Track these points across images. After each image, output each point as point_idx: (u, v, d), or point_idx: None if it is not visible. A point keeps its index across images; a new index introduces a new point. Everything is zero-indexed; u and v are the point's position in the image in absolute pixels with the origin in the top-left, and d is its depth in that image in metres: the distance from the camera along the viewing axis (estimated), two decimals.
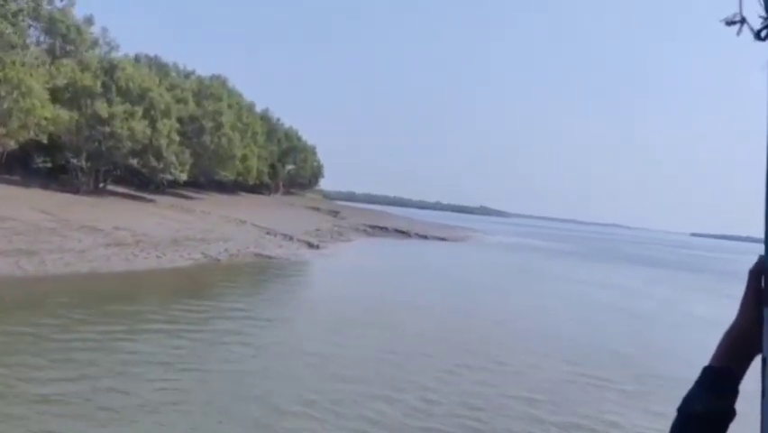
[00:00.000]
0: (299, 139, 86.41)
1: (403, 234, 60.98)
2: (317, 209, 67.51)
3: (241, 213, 44.37)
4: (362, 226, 59.78)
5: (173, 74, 56.41)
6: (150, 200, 41.43)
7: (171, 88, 48.34)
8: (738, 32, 1.13)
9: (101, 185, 38.60)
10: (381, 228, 61.44)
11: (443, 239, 61.53)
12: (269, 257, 29.76)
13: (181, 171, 40.46)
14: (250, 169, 58.30)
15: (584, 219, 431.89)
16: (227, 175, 49.34)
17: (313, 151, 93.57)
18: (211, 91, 51.93)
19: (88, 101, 33.46)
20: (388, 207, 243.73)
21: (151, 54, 55.41)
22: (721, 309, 27.25)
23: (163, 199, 43.17)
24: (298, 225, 44.88)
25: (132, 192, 43.09)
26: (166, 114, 38.69)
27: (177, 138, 39.91)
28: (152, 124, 36.63)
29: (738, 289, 1.09)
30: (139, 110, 35.92)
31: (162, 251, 25.47)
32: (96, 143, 34.99)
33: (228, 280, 23.00)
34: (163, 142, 37.63)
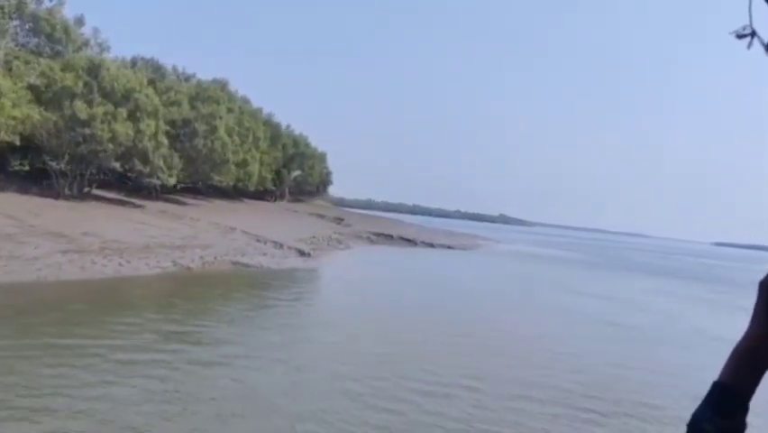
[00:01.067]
0: (307, 145, 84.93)
1: (408, 241, 59.10)
2: (322, 216, 65.83)
3: (235, 220, 42.83)
4: (366, 234, 57.97)
5: (172, 77, 55.25)
6: (140, 206, 39.97)
7: (166, 90, 47.04)
8: (749, 46, 1.13)
9: (86, 189, 37.16)
10: (386, 236, 59.57)
11: (450, 247, 59.54)
12: (247, 265, 28.02)
13: (169, 176, 38.89)
14: (250, 174, 56.77)
15: (607, 228, 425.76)
16: (221, 180, 47.76)
17: (322, 158, 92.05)
18: (208, 94, 50.51)
19: (67, 102, 32.00)
20: (406, 215, 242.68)
21: (151, 57, 54.27)
22: (728, 323, 25.03)
23: (154, 205, 41.72)
24: (295, 233, 43.19)
25: (122, 197, 41.71)
26: (153, 115, 37.18)
27: (165, 141, 38.39)
28: (138, 126, 35.13)
29: (751, 301, 1.04)
30: (122, 111, 34.45)
31: (128, 258, 23.81)
32: (77, 146, 33.54)
33: (185, 290, 21.19)
34: (149, 144, 36.11)
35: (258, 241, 36.91)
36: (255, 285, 24.23)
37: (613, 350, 17.18)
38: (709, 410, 1.04)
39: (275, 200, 73.51)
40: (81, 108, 32.24)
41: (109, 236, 26.99)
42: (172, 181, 39.49)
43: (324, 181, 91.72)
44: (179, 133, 43.04)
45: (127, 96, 35.44)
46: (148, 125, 35.64)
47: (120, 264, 22.73)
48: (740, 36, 1.14)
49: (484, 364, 14.28)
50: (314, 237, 43.81)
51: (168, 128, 42.99)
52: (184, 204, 47.18)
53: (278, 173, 70.85)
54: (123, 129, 33.87)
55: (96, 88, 33.87)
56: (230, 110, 56.36)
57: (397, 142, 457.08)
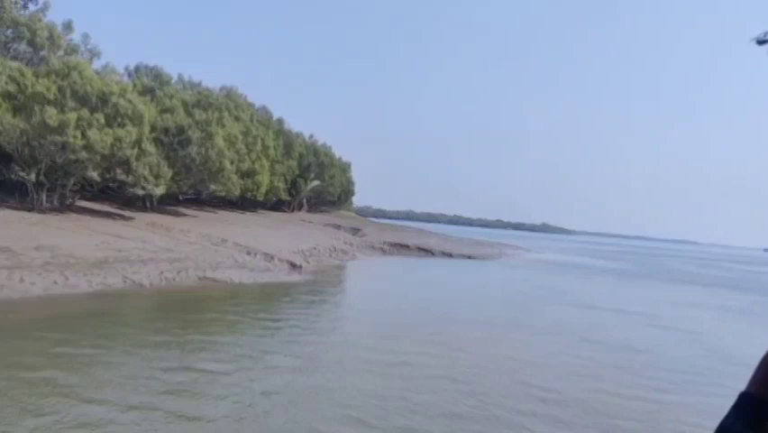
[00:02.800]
0: (328, 155, 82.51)
1: (425, 252, 56.10)
2: (338, 227, 63.15)
3: (233, 231, 40.45)
4: (380, 244, 55.13)
5: (176, 84, 53.47)
6: (129, 218, 37.86)
7: (164, 97, 45.13)
8: None
9: (69, 201, 35.18)
10: (402, 246, 56.63)
11: (470, 257, 56.31)
12: (215, 280, 25.42)
13: (156, 186, 36.64)
14: (259, 184, 54.47)
15: (655, 236, 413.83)
16: (219, 189, 45.45)
17: (345, 168, 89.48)
18: (210, 101, 48.41)
19: (37, 108, 30.01)
20: (445, 225, 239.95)
21: (155, 65, 52.60)
22: (764, 343, 21.37)
23: (147, 217, 39.57)
24: (296, 244, 40.54)
25: (112, 209, 39.69)
26: (136, 122, 35.04)
27: (151, 149, 36.22)
28: (117, 133, 33.00)
29: None
30: (99, 117, 32.35)
31: (70, 274, 21.41)
32: (52, 155, 31.55)
33: (100, 314, 18.51)
34: (131, 153, 33.95)
35: (247, 253, 34.40)
36: (200, 306, 21.55)
37: (600, 389, 13.84)
38: (738, 421, 1.01)
39: (292, 211, 71.13)
40: (51, 114, 30.19)
41: (65, 251, 24.67)
42: (159, 191, 37.20)
43: (347, 191, 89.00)
44: (173, 141, 40.87)
45: (105, 101, 33.33)
46: (128, 132, 33.42)
47: (54, 282, 20.30)
48: (761, 42, 1.12)
49: (419, 402, 11.22)
50: (314, 248, 41.10)
51: (162, 136, 41.01)
52: (183, 215, 45.02)
53: (293, 183, 68.51)
54: (99, 136, 31.70)
55: (68, 93, 31.82)
56: (237, 118, 54.28)
57: (439, 155, 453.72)
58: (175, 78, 54.82)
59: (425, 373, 13.67)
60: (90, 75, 33.19)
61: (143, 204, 42.47)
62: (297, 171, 68.35)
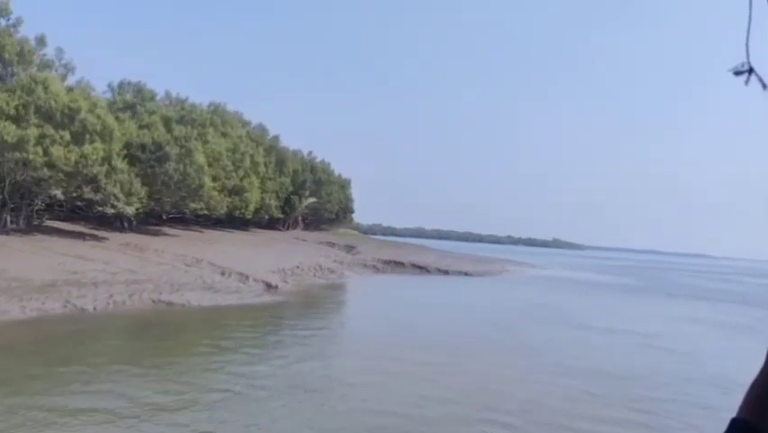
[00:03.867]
0: (325, 171, 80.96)
1: (420, 269, 54.13)
2: (333, 244, 61.34)
3: (213, 250, 38.77)
4: (373, 262, 53.28)
5: (161, 100, 52.15)
6: (102, 238, 36.28)
7: (145, 113, 43.84)
8: (746, 82, 1.13)
9: (36, 222, 33.68)
10: (397, 263, 54.71)
11: (467, 274, 54.28)
12: (171, 304, 23.65)
13: (127, 204, 35.05)
14: (248, 202, 52.84)
15: (669, 250, 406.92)
16: (198, 208, 43.82)
17: (344, 184, 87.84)
18: (193, 116, 47.01)
19: None
20: (455, 242, 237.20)
21: (138, 81, 51.31)
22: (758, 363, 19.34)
23: (122, 237, 37.94)
24: (278, 263, 38.74)
25: (86, 230, 38.11)
26: (106, 138, 33.58)
27: (122, 166, 34.70)
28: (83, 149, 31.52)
29: None
30: (64, 134, 30.88)
31: (4, 300, 19.70)
32: (14, 173, 30.09)
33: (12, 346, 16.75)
34: (98, 170, 32.41)
35: (221, 273, 32.68)
36: (141, 332, 19.73)
37: (560, 425, 11.86)
38: None
39: (287, 229, 69.46)
40: (10, 130, 28.72)
41: (11, 274, 23.01)
42: (130, 210, 35.62)
43: (345, 208, 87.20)
44: (150, 158, 39.37)
45: (72, 117, 31.89)
46: (95, 149, 31.90)
47: None
48: (738, 73, 1.13)
49: None
50: (297, 267, 39.29)
51: (138, 153, 39.57)
52: (164, 235, 43.41)
53: (287, 201, 66.87)
54: (62, 153, 30.20)
55: (32, 109, 30.40)
56: (224, 134, 52.86)
57: (449, 172, 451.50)
58: (161, 94, 53.50)
59: (366, 407, 11.79)
60: (57, 90, 31.78)
61: (121, 224, 40.89)
62: (290, 188, 66.71)
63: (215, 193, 43.48)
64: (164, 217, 47.73)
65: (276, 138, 72.16)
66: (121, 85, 50.91)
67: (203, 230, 51.77)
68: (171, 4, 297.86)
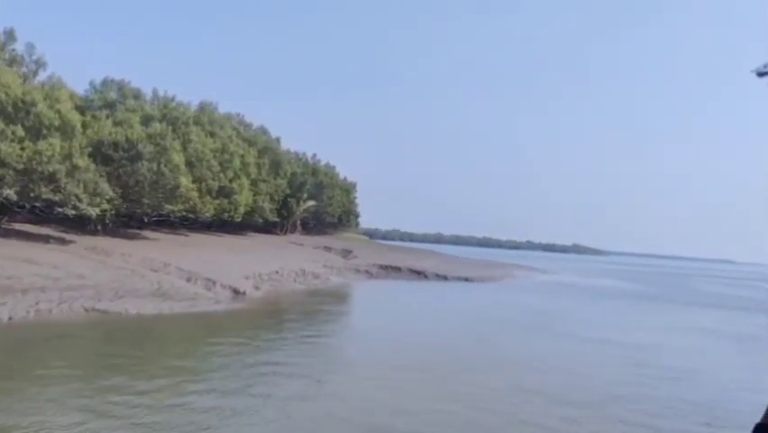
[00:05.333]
0: (328, 175, 78.59)
1: (418, 274, 51.50)
2: (329, 249, 58.87)
3: (187, 255, 36.45)
4: (367, 267, 50.74)
5: (149, 100, 50.07)
6: (69, 242, 34.10)
7: (126, 111, 41.79)
8: None
9: None
10: (394, 268, 52.15)
11: (467, 280, 51.53)
12: (106, 312, 21.25)
13: (91, 204, 32.80)
14: (236, 204, 50.55)
15: (689, 255, 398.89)
16: (176, 210, 41.47)
17: (348, 188, 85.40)
18: (175, 115, 44.85)
19: None
20: (474, 247, 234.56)
21: (122, 79, 49.28)
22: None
23: (91, 241, 35.75)
24: (256, 268, 36.34)
25: (53, 233, 35.98)
26: (68, 134, 31.44)
27: (87, 164, 32.48)
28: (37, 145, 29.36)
29: None
30: (15, 128, 28.75)
31: None
32: None
33: None
34: (57, 168, 30.21)
35: (187, 279, 30.34)
36: (23, 348, 17.27)
37: None
38: None
39: (285, 233, 67.10)
40: None
41: None
42: (93, 212, 33.37)
43: (348, 212, 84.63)
44: (122, 157, 37.19)
45: (27, 111, 29.78)
46: (50, 145, 29.70)
47: None
48: (761, 74, 1.11)
49: None
50: (276, 272, 36.82)
51: (110, 151, 37.43)
52: (141, 238, 41.20)
53: (284, 203, 64.54)
54: (12, 149, 28.05)
55: None
56: (211, 134, 50.69)
57: (469, 177, 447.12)
58: (149, 93, 51.39)
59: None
60: (8, 81, 29.67)
61: (95, 227, 38.76)
62: (287, 191, 64.34)
63: (195, 194, 41.10)
64: (146, 220, 45.60)
65: (276, 140, 70.06)
66: (104, 83, 48.91)
67: (189, 234, 49.53)
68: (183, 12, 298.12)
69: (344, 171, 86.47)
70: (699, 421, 12.31)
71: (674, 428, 11.84)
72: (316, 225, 79.10)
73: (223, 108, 68.88)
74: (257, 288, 31.66)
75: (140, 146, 37.53)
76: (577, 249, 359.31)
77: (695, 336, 27.18)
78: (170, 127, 39.87)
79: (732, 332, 29.42)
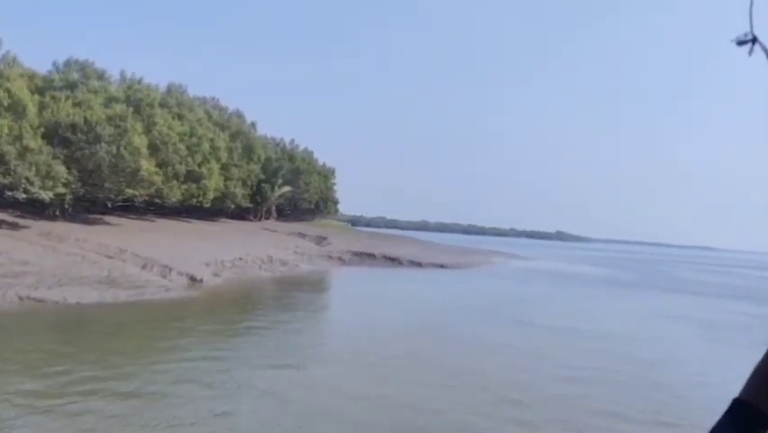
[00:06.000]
0: (305, 160, 77.16)
1: (392, 261, 50.54)
2: (304, 236, 57.64)
3: (146, 241, 35.17)
4: (340, 253, 49.70)
5: (116, 81, 48.49)
6: (23, 227, 32.74)
7: (87, 92, 40.30)
8: (750, 52, 1.12)
9: None
10: (368, 255, 51.15)
11: (442, 266, 50.60)
12: (42, 301, 20.06)
13: (43, 188, 31.47)
14: (205, 190, 49.22)
15: (673, 242, 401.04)
16: (137, 194, 40.15)
17: (327, 174, 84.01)
18: (139, 96, 43.37)
19: None
20: (459, 234, 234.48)
21: (86, 59, 47.65)
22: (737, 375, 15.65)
23: (47, 226, 34.37)
24: (219, 254, 35.13)
25: (8, 218, 34.58)
26: (20, 114, 30.05)
27: (39, 146, 31.12)
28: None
29: None
30: None
31: None
32: None
33: None
34: (5, 149, 28.86)
35: (143, 266, 29.15)
36: None
37: None
38: (730, 427, 0.99)
39: (260, 219, 65.83)
40: None
41: None
42: (47, 195, 32.07)
43: (326, 199, 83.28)
44: (80, 139, 35.78)
45: None
46: None
47: None
48: (741, 43, 1.10)
49: None
50: (240, 259, 35.65)
51: (68, 133, 36.02)
52: (103, 224, 39.82)
53: (258, 189, 63.20)
54: None
55: None
56: (179, 116, 49.24)
57: (454, 163, 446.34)
58: (116, 74, 49.80)
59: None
60: None
61: (53, 212, 37.37)
62: (261, 176, 62.98)
63: (158, 178, 39.76)
64: (109, 206, 44.20)
65: (252, 125, 68.58)
66: (67, 63, 47.28)
67: (156, 220, 48.16)
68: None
69: (325, 158, 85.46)
70: (647, 420, 11.37)
71: (617, 429, 10.88)
72: (294, 211, 77.80)
73: (198, 91, 67.59)
74: (216, 275, 30.54)
75: (98, 128, 36.14)
76: (561, 236, 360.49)
77: (666, 323, 26.43)
78: (130, 109, 38.29)
79: (705, 319, 28.67)
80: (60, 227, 34.83)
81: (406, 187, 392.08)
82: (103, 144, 36.03)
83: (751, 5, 1.08)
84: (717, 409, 1.06)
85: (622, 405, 12.27)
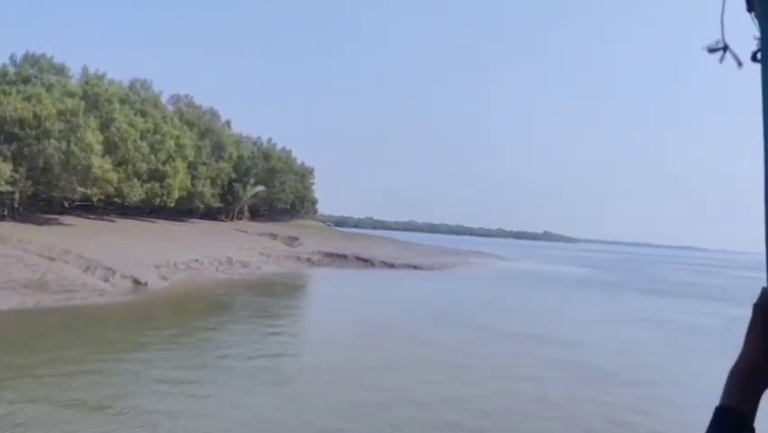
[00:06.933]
0: (281, 159, 75.42)
1: (365, 262, 48.94)
2: (275, 236, 55.91)
3: (97, 242, 33.38)
4: (310, 254, 48.10)
5: (77, 77, 46.64)
6: None
7: (41, 87, 38.46)
8: (721, 60, 1.13)
9: None
10: (339, 256, 49.54)
11: (416, 267, 49.03)
12: None
13: None
14: (169, 189, 47.40)
15: (661, 243, 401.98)
16: (90, 193, 38.28)
17: (304, 173, 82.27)
18: (96, 91, 41.52)
19: None
20: (446, 235, 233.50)
21: (43, 54, 45.75)
22: (709, 391, 13.91)
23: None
24: (173, 256, 33.39)
25: None
26: None
27: None
28: None
29: None
30: None
31: None
32: None
33: None
34: None
35: (86, 269, 27.39)
36: None
37: None
38: None
39: (232, 219, 64.02)
40: None
41: None
42: None
43: (303, 198, 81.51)
44: (29, 135, 33.96)
45: None
46: None
47: None
48: (712, 50, 1.12)
49: None
50: (196, 261, 33.90)
51: (16, 129, 34.20)
52: (56, 224, 37.93)
53: (230, 188, 61.41)
54: None
55: None
56: (142, 113, 47.43)
57: (441, 163, 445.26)
58: (77, 70, 47.96)
59: None
60: None
61: (1, 212, 35.50)
62: (232, 175, 61.18)
63: (113, 176, 37.94)
64: (66, 205, 42.27)
65: (227, 123, 66.78)
66: (25, 57, 45.41)
67: (117, 220, 46.29)
68: None
69: (315, 159, 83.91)
70: None
71: None
72: (270, 211, 76.01)
73: (177, 89, 65.80)
74: (164, 278, 28.80)
75: (47, 123, 34.32)
76: (548, 236, 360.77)
77: (637, 327, 24.91)
78: (82, 103, 36.47)
79: (680, 322, 27.23)
80: (5, 228, 32.96)
81: (395, 188, 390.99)
82: (52, 140, 34.24)
83: (722, 14, 1.07)
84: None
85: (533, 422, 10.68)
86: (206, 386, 12.19)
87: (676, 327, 25.60)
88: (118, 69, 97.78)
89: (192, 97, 66.58)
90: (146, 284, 26.69)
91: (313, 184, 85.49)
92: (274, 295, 29.98)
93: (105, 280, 26.62)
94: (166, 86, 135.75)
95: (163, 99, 58.28)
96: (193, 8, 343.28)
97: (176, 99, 64.80)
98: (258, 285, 32.14)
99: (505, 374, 14.74)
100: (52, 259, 28.30)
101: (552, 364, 16.08)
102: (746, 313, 1.09)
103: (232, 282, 32.02)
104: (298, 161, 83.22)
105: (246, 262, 37.91)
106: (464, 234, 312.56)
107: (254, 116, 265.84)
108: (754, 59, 1.07)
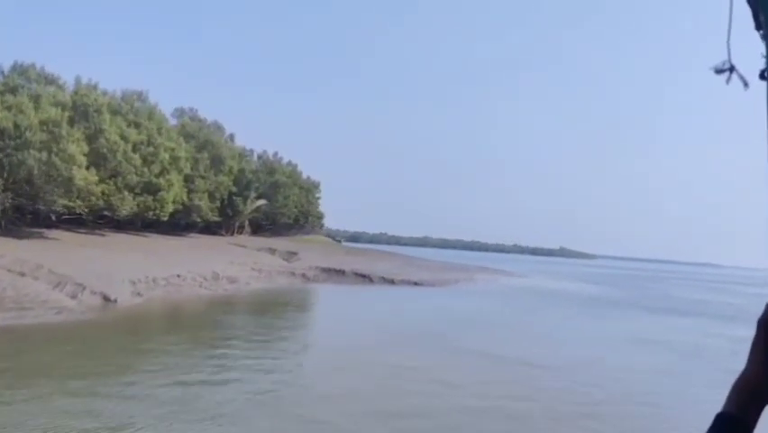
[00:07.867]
0: (286, 173, 74.22)
1: (363, 278, 47.39)
2: (274, 251, 54.60)
3: (75, 257, 32.12)
4: (305, 270, 46.65)
5: (71, 87, 45.73)
6: None
7: (29, 97, 37.49)
8: (728, 81, 1.14)
9: None
10: (337, 272, 48.01)
11: (416, 284, 47.34)
12: None
13: None
14: (162, 202, 46.25)
15: (677, 259, 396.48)
16: (73, 206, 37.12)
17: (310, 188, 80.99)
18: (85, 101, 40.55)
19: None
20: (459, 251, 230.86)
21: (32, 63, 44.91)
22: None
23: None
24: (155, 271, 32.07)
25: None
26: None
27: None
28: None
29: None
30: None
31: None
32: None
33: None
34: None
35: (56, 285, 26.14)
36: None
37: None
38: None
39: (232, 234, 62.80)
40: None
41: None
42: None
43: (307, 213, 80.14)
44: (8, 146, 32.94)
45: None
46: None
47: None
48: (719, 71, 1.13)
49: None
50: (178, 276, 32.54)
51: None
52: (38, 238, 36.84)
53: (230, 202, 60.24)
54: None
55: None
56: (136, 124, 46.41)
57: (456, 180, 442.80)
58: (71, 80, 47.07)
59: None
60: None
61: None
62: (232, 189, 60.02)
63: (97, 189, 36.80)
64: (53, 218, 41.14)
65: (230, 137, 65.84)
66: (14, 67, 44.58)
67: (107, 234, 45.11)
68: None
69: (329, 174, 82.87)
70: None
71: None
72: (273, 226, 74.71)
73: (184, 103, 64.86)
74: (139, 294, 27.47)
75: (28, 133, 33.29)
76: (564, 252, 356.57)
77: (633, 349, 23.15)
78: (66, 114, 35.45)
79: (685, 344, 25.40)
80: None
81: (410, 204, 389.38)
82: (32, 151, 33.17)
83: (729, 35, 1.08)
84: None
85: None
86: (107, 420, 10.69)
87: (679, 350, 23.80)
88: (131, 80, 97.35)
89: (197, 111, 65.79)
90: (116, 301, 25.35)
91: (319, 198, 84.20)
92: (253, 313, 28.54)
93: (73, 296, 25.32)
94: (180, 101, 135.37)
95: (167, 112, 57.65)
96: (210, 32, 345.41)
97: (180, 112, 64.04)
98: (238, 302, 30.79)
99: (469, 404, 13.11)
100: (23, 274, 27.02)
101: (529, 393, 14.42)
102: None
103: (213, 299, 30.62)
104: (304, 176, 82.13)
105: (234, 277, 36.49)
106: (479, 249, 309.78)
107: (264, 131, 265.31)
108: (762, 77, 1.07)
